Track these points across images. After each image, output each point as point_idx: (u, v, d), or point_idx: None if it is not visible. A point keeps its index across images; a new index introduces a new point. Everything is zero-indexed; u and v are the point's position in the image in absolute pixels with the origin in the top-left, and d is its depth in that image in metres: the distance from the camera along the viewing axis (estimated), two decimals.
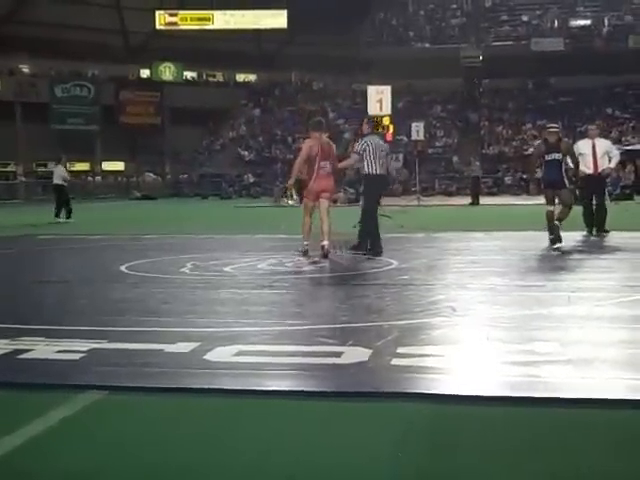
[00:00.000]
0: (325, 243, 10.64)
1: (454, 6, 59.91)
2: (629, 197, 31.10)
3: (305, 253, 10.85)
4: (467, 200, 31.13)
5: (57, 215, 21.49)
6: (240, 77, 60.68)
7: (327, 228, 10.82)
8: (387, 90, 18.62)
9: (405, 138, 42.70)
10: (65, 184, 21.83)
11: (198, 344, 5.24)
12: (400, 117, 38.61)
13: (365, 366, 4.69)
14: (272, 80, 58.90)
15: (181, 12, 57.87)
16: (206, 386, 4.37)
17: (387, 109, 18.50)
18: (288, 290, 8.09)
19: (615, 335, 5.56)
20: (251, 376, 4.55)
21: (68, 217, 21.30)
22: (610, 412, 3.89)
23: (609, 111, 49.76)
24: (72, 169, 50.78)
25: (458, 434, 3.67)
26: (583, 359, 4.80)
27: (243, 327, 5.89)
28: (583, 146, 13.92)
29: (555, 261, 10.37)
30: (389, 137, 22.47)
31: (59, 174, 22.07)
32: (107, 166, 52.54)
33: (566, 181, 12.26)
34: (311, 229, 11.05)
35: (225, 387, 4.35)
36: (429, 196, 37.77)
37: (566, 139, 13.48)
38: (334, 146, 11.40)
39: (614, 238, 13.10)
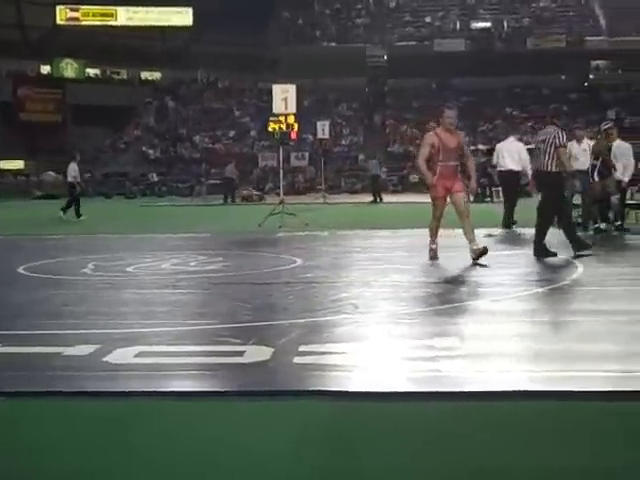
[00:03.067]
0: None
1: (359, 6, 60.48)
2: (529, 194, 31.91)
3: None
4: (370, 198, 31.46)
5: (78, 215, 21.09)
6: (145, 75, 59.78)
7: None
8: (292, 88, 18.55)
9: (311, 136, 42.91)
10: (77, 181, 21.72)
11: (98, 346, 5.15)
12: (306, 115, 38.77)
13: (267, 365, 4.69)
14: (177, 78, 58.25)
15: (83, 7, 56.61)
16: (105, 389, 4.30)
17: (292, 107, 18.43)
18: (191, 290, 8.03)
19: (511, 329, 5.72)
20: (152, 377, 4.51)
21: (63, 211, 21.08)
22: (505, 404, 3.99)
23: (509, 111, 51.10)
24: None
25: (359, 430, 3.70)
26: (480, 353, 4.92)
27: (144, 328, 5.82)
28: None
29: (457, 258, 10.56)
30: (294, 136, 22.54)
31: (71, 172, 21.90)
32: (5, 165, 50.87)
33: (596, 177, 13.44)
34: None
35: (125, 389, 4.28)
36: (335, 194, 38.04)
37: (611, 142, 14.04)
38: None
39: (519, 234, 13.43)
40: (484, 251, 9.39)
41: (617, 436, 3.54)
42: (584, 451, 3.37)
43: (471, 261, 9.34)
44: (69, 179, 21.87)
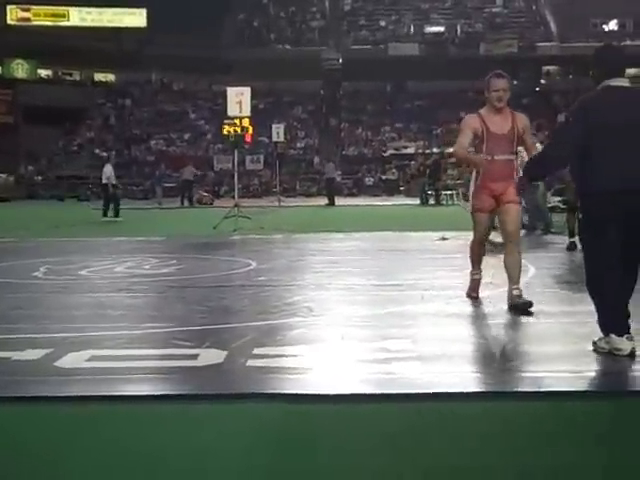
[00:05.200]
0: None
1: (314, 9, 60.59)
2: None
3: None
4: (326, 201, 31.60)
5: (105, 214, 21.50)
6: (98, 76, 59.15)
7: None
8: (247, 91, 18.51)
9: (266, 139, 42.84)
10: (112, 183, 22.00)
11: (49, 350, 5.09)
12: (261, 118, 38.71)
13: (220, 368, 4.69)
14: (131, 80, 57.73)
15: (34, 7, 55.81)
16: (56, 394, 4.26)
17: (247, 110, 18.39)
18: (145, 293, 7.98)
19: (463, 331, 5.78)
20: (104, 382, 4.47)
21: (116, 215, 21.46)
22: (458, 405, 4.04)
23: (462, 115, 51.45)
24: None
25: (313, 433, 3.72)
26: (432, 355, 4.96)
27: (97, 332, 5.77)
28: None
29: (411, 260, 10.66)
30: (249, 138, 22.45)
31: (106, 173, 22.08)
32: None
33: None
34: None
35: (76, 394, 4.24)
36: (290, 197, 38.06)
37: None
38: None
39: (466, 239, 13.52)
40: (528, 305, 6.38)
41: (566, 436, 3.60)
42: (535, 452, 3.41)
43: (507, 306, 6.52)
44: (104, 180, 21.99)
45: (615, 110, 4.83)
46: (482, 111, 6.78)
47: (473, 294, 7.10)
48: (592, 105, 4.97)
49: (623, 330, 4.80)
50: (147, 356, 5.09)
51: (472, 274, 7.19)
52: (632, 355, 4.74)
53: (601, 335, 4.92)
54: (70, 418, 3.95)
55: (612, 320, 4.84)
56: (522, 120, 6.77)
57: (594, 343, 4.96)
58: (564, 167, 5.46)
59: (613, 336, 4.81)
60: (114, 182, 22.23)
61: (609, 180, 4.76)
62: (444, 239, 13.10)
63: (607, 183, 4.77)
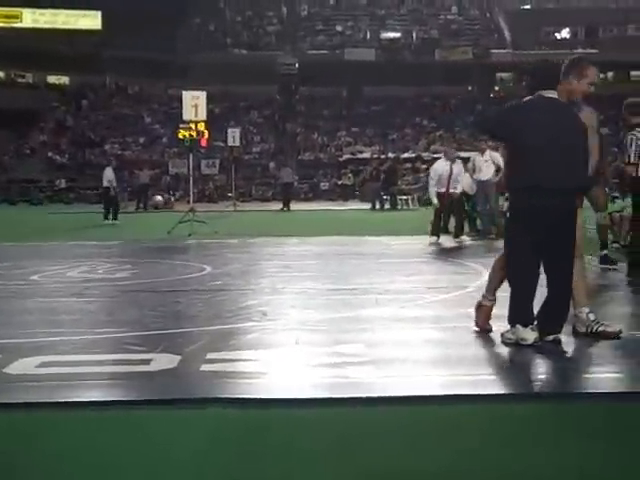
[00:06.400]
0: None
1: (271, 14, 60.56)
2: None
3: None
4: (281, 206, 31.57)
5: (106, 217, 21.77)
6: (52, 79, 58.35)
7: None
8: (202, 95, 18.48)
9: (221, 143, 42.65)
10: (113, 186, 22.28)
11: None
12: (216, 123, 38.57)
13: (174, 373, 4.66)
14: (86, 83, 57.07)
15: None
16: (5, 400, 4.19)
17: (202, 115, 18.35)
18: (98, 298, 7.90)
19: (417, 335, 5.80)
20: (54, 388, 4.40)
21: (114, 218, 21.76)
22: (413, 408, 4.06)
23: (417, 120, 51.95)
24: None
25: (266, 438, 3.69)
26: (386, 359, 4.99)
27: (48, 337, 5.69)
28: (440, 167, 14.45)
29: (366, 265, 10.69)
30: (204, 143, 22.39)
31: (107, 177, 22.24)
32: None
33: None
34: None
35: (26, 400, 4.18)
36: (245, 202, 37.95)
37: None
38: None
39: (427, 244, 13.58)
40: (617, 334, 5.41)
41: (518, 439, 3.63)
42: (491, 454, 3.44)
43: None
44: (105, 184, 22.17)
45: (548, 117, 5.25)
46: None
47: (487, 326, 5.68)
48: (530, 108, 5.38)
49: (529, 321, 5.21)
50: (99, 361, 5.03)
51: (484, 298, 5.75)
52: (535, 344, 5.12)
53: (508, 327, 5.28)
54: (19, 425, 3.88)
55: (523, 312, 5.23)
56: (587, 119, 5.53)
57: (502, 335, 5.32)
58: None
59: (519, 327, 5.19)
60: (114, 185, 22.52)
61: (539, 178, 5.15)
62: (434, 243, 13.41)
63: (538, 180, 5.15)
